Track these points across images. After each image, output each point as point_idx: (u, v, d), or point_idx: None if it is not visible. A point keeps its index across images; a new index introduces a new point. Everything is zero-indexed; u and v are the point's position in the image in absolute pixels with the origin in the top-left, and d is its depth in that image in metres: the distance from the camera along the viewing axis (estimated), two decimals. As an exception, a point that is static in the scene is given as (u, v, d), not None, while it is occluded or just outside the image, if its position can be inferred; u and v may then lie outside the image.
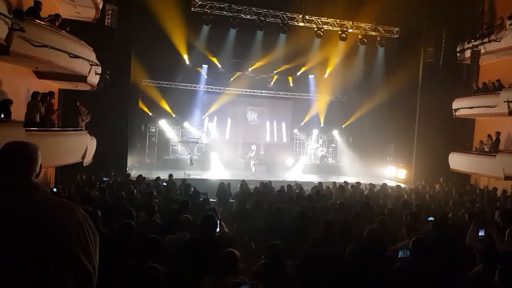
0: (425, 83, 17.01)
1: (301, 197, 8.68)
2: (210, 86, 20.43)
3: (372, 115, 19.85)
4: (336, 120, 21.76)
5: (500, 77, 14.12)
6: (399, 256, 4.14)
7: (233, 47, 17.78)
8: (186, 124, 20.07)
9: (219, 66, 20.18)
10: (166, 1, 14.76)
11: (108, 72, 12.69)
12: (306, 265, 4.49)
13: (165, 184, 10.50)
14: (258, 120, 22.18)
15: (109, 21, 13.31)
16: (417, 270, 3.85)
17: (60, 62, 9.08)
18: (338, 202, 7.90)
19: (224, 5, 15.44)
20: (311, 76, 21.57)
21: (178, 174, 14.26)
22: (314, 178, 15.65)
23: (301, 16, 16.12)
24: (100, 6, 12.24)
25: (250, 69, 20.45)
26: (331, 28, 16.64)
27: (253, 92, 21.01)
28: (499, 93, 13.17)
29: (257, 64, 20.00)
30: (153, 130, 19.57)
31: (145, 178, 11.14)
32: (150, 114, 19.48)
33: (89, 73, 10.93)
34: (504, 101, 12.47)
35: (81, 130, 11.34)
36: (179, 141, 19.69)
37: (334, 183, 11.80)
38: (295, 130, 22.28)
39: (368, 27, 16.89)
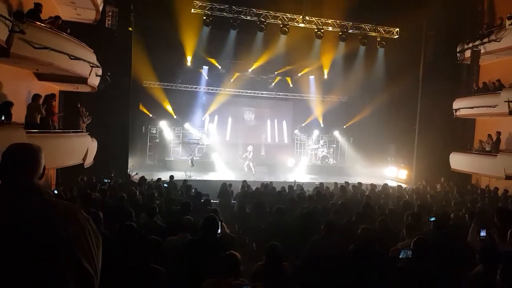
0: (425, 83, 17.01)
1: (302, 198, 8.67)
2: (211, 87, 20.47)
3: (373, 116, 19.84)
4: (336, 120, 21.80)
5: (500, 77, 14.14)
6: (401, 256, 4.13)
7: (234, 48, 17.81)
8: (187, 125, 20.08)
9: (219, 67, 20.20)
10: (166, 3, 14.79)
11: (108, 73, 12.69)
12: (306, 266, 4.49)
13: (166, 185, 10.52)
14: (257, 121, 22.18)
15: (110, 22, 13.28)
16: (418, 270, 3.84)
17: (61, 64, 9.07)
18: (339, 202, 7.90)
19: (224, 6, 15.45)
20: (311, 77, 21.58)
21: (179, 176, 14.27)
22: (315, 179, 15.63)
23: (301, 17, 16.13)
24: (101, 8, 12.23)
25: (250, 70, 20.47)
26: (331, 29, 16.66)
27: (254, 93, 21.06)
28: (499, 93, 13.19)
29: (257, 65, 19.99)
30: (154, 131, 19.58)
31: (146, 179, 11.16)
32: (151, 115, 19.50)
33: (89, 74, 10.92)
34: (505, 101, 12.47)
35: (82, 131, 11.35)
36: (180, 142, 19.70)
37: (336, 183, 11.79)
38: (296, 131, 22.29)
39: (368, 28, 16.90)
